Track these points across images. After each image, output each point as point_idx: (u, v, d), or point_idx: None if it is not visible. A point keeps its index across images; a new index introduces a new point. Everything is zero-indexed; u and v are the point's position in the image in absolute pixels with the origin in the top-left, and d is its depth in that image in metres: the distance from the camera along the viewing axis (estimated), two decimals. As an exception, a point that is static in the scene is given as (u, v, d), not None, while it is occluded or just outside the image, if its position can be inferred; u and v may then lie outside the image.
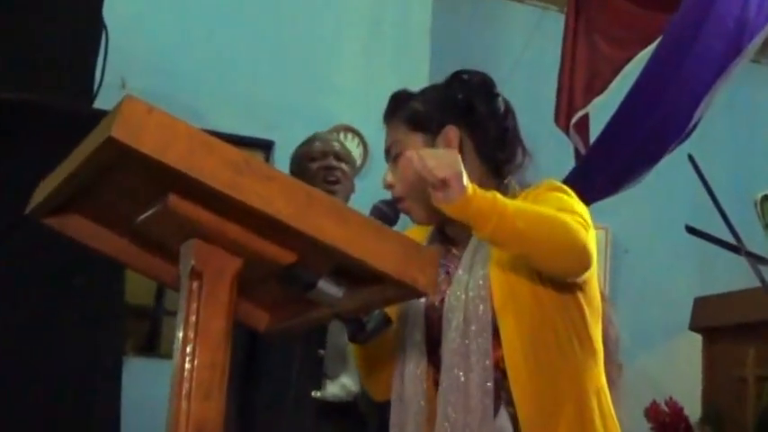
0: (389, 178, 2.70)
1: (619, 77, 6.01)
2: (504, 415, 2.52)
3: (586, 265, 2.43)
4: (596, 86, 6.10)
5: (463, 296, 2.55)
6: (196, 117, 5.89)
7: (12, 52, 4.35)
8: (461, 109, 2.67)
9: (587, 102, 6.03)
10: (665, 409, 6.66)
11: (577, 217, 2.43)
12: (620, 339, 2.78)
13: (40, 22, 4.42)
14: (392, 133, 2.74)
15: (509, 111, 2.75)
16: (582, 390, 2.54)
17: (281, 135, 6.47)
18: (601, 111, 5.85)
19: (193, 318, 1.81)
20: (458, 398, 2.51)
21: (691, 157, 1.88)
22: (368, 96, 7.04)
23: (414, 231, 2.79)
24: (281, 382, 3.86)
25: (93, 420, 4.33)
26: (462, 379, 2.52)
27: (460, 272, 2.61)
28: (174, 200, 1.73)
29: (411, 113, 2.70)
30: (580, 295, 2.57)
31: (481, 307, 2.52)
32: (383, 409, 3.95)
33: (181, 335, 1.80)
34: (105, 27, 4.67)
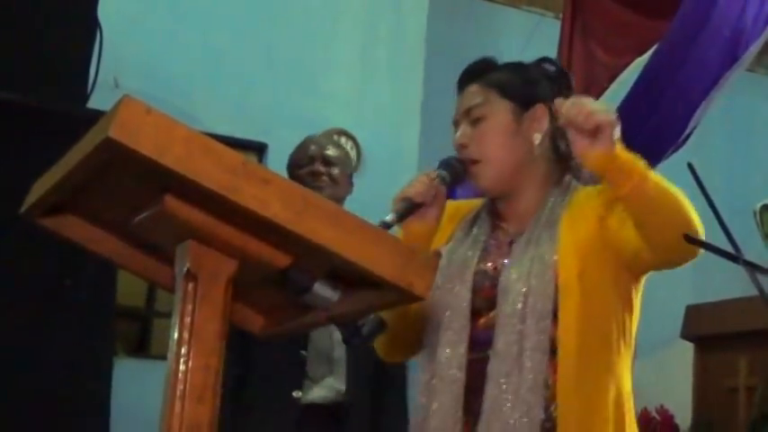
0: (464, 139, 2.67)
1: (615, 84, 6.01)
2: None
3: (693, 254, 2.47)
4: (592, 93, 6.08)
5: (526, 269, 2.54)
6: (189, 119, 5.88)
7: (6, 52, 4.34)
8: (549, 94, 2.65)
9: (583, 109, 6.03)
10: (656, 417, 6.67)
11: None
12: None
13: (35, 21, 4.42)
14: (475, 95, 2.70)
15: None
16: (621, 388, 2.55)
17: (275, 138, 6.47)
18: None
19: (188, 319, 1.80)
20: (512, 367, 2.50)
21: (690, 166, 1.91)
22: (362, 100, 7.05)
23: (459, 204, 2.81)
24: (263, 384, 3.87)
25: (83, 421, 4.33)
26: (517, 347, 2.50)
27: (524, 245, 2.60)
28: (170, 201, 1.73)
29: (504, 81, 2.68)
30: (635, 297, 2.60)
31: (545, 283, 2.51)
32: (375, 409, 3.96)
33: (175, 336, 1.79)
34: (100, 27, 4.67)
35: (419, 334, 2.73)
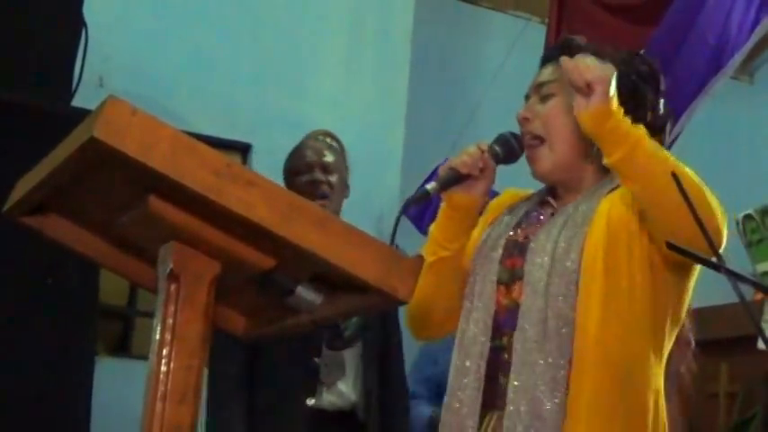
0: (528, 113, 2.58)
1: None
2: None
3: (721, 232, 2.40)
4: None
5: (554, 233, 2.48)
6: (174, 119, 5.85)
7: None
8: (629, 86, 2.52)
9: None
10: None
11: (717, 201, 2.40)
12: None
13: (20, 20, 4.41)
14: (553, 72, 2.58)
15: (667, 112, 2.66)
16: (641, 381, 2.45)
17: (259, 139, 6.46)
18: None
19: (170, 320, 1.80)
20: (536, 334, 2.44)
21: (674, 175, 1.87)
22: (347, 102, 7.04)
23: (514, 192, 2.74)
24: (276, 389, 3.86)
25: (63, 420, 4.32)
26: (542, 315, 2.44)
27: (559, 214, 2.53)
28: (154, 202, 1.73)
29: None
30: (672, 291, 2.51)
31: (570, 259, 2.44)
32: (384, 416, 3.96)
33: (157, 337, 1.79)
34: (85, 26, 4.66)
35: (457, 302, 2.66)
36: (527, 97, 2.64)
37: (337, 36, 7.19)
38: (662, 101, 2.63)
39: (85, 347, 4.55)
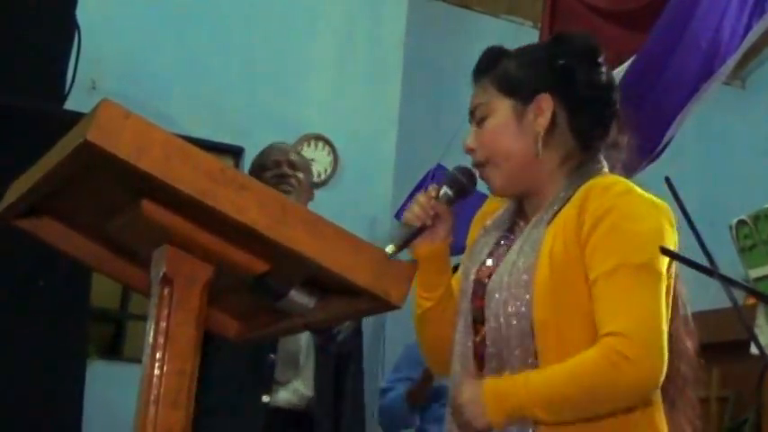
0: (471, 142, 2.53)
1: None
2: None
3: (643, 394, 2.35)
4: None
5: (505, 279, 2.43)
6: (167, 122, 5.87)
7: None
8: (560, 76, 2.49)
9: (559, 118, 6.04)
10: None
11: (624, 322, 2.29)
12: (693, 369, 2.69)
13: (13, 22, 4.40)
14: (479, 93, 2.54)
15: (611, 83, 2.58)
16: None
17: (252, 142, 6.45)
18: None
19: (163, 324, 1.80)
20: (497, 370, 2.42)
21: (668, 180, 1.86)
22: (339, 105, 7.06)
23: (492, 204, 2.69)
24: (231, 387, 3.85)
25: (54, 423, 4.31)
26: (500, 361, 2.42)
27: (509, 255, 2.48)
28: (147, 205, 1.73)
29: (503, 75, 2.51)
30: None
31: (521, 293, 2.40)
32: (338, 414, 3.96)
33: (150, 341, 1.79)
34: (78, 28, 4.66)
35: None
36: (471, 122, 2.60)
37: (330, 41, 7.20)
38: (602, 69, 2.55)
39: (77, 350, 4.54)
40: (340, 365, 3.96)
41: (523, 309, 2.39)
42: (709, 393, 6.24)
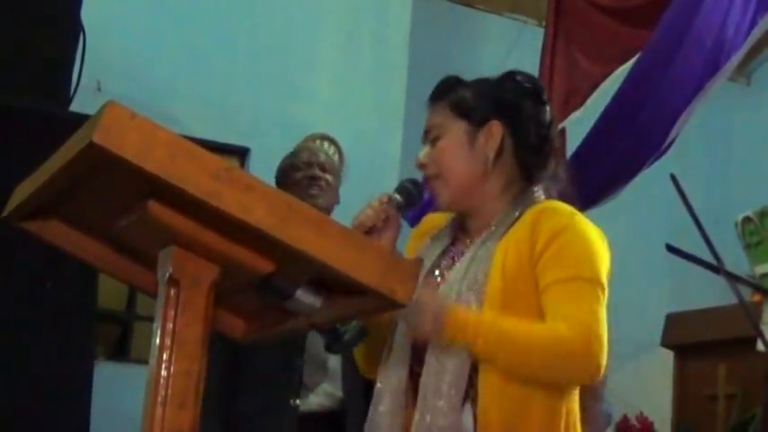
0: (423, 158, 2.73)
1: (596, 93, 6.02)
2: (468, 411, 2.56)
3: (591, 374, 2.51)
4: (574, 101, 6.12)
5: (455, 288, 2.61)
6: (172, 123, 5.86)
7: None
8: (509, 107, 2.69)
9: (565, 116, 6.04)
10: (636, 424, 6.68)
11: (583, 316, 2.51)
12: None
13: (18, 24, 4.41)
14: (435, 116, 2.75)
15: (553, 121, 2.79)
16: (552, 405, 2.57)
17: (257, 142, 6.48)
18: (578, 126, 5.86)
19: (170, 325, 1.80)
20: (434, 384, 2.56)
21: (673, 177, 1.88)
22: (344, 105, 7.05)
23: (434, 217, 2.87)
24: (262, 393, 3.86)
25: (62, 424, 4.31)
26: (438, 366, 2.56)
27: (459, 265, 2.67)
28: (153, 206, 1.73)
29: (459, 99, 2.72)
30: None
31: (472, 302, 2.57)
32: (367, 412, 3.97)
33: (157, 342, 1.79)
34: (83, 30, 4.66)
35: None
36: (423, 143, 2.80)
37: (335, 40, 7.20)
38: (546, 108, 2.77)
39: (84, 352, 4.55)
40: None
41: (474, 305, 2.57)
42: (717, 390, 6.25)
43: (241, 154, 6.79)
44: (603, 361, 2.49)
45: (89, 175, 1.73)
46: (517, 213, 2.66)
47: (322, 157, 4.26)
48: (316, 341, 3.80)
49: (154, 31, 6.54)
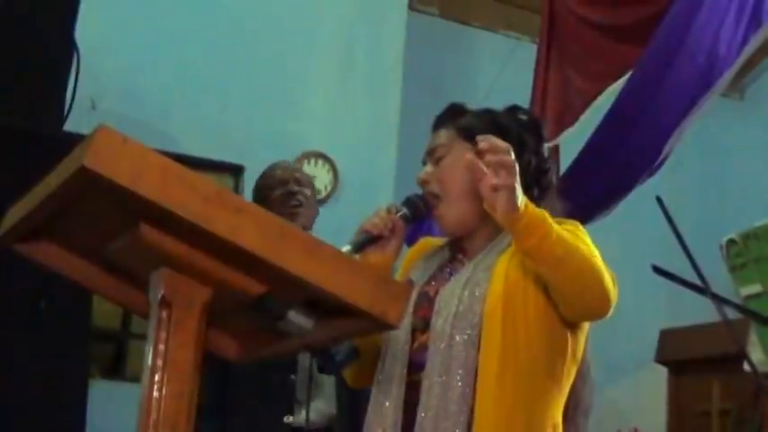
0: (425, 176, 2.79)
1: (589, 110, 6.04)
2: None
3: (602, 313, 2.57)
4: (567, 118, 6.13)
5: (458, 291, 2.65)
6: (167, 141, 5.89)
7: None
8: (512, 137, 2.71)
9: (558, 133, 6.06)
10: (630, 440, 6.69)
11: (610, 272, 2.56)
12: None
13: (12, 43, 4.42)
14: (441, 137, 2.83)
15: (550, 157, 2.89)
16: (539, 419, 2.61)
17: (252, 160, 6.47)
18: (571, 142, 5.87)
19: (162, 347, 1.80)
20: (440, 386, 2.59)
21: (659, 199, 1.91)
22: (339, 123, 7.06)
23: (430, 240, 2.95)
24: (254, 410, 3.87)
25: (57, 443, 4.31)
26: (445, 364, 2.60)
27: (462, 272, 2.72)
28: (145, 229, 1.73)
29: (467, 124, 2.79)
30: (569, 335, 2.67)
31: (474, 305, 2.62)
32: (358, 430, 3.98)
33: (149, 364, 1.79)
34: (77, 49, 4.67)
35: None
36: (424, 162, 2.86)
37: (329, 57, 7.21)
38: (545, 145, 2.86)
39: (79, 370, 4.55)
40: None
41: (476, 319, 2.61)
42: (711, 407, 6.26)
43: (235, 172, 6.80)
44: (612, 305, 2.55)
45: (81, 198, 1.74)
46: (509, 239, 2.68)
47: (297, 174, 4.28)
48: (308, 357, 3.82)
49: (148, 49, 6.55)
